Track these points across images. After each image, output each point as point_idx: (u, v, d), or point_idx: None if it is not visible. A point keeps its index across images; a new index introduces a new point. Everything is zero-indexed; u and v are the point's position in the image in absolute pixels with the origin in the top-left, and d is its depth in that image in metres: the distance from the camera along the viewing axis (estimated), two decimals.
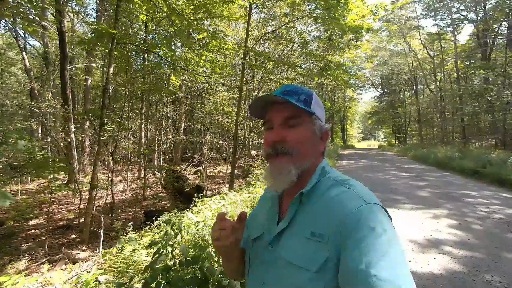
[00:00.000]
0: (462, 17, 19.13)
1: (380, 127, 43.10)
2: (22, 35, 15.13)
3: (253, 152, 15.66)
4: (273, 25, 10.24)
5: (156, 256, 1.44)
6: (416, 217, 4.45)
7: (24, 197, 8.75)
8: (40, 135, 13.89)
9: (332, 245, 0.54)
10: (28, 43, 16.75)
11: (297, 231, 0.61)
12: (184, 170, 13.11)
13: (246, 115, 12.10)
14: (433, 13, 20.87)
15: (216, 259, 1.74)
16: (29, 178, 10.92)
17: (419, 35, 22.73)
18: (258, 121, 12.06)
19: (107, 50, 5.78)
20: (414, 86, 28.77)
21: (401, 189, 6.83)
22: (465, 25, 20.76)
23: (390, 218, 0.58)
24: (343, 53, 9.89)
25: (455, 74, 21.14)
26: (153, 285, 1.49)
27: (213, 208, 3.67)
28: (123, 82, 8.81)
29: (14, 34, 14.57)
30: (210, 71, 7.04)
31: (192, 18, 5.76)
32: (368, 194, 0.60)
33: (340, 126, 36.54)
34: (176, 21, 4.09)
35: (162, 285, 1.50)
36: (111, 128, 4.99)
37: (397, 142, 32.94)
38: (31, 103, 10.64)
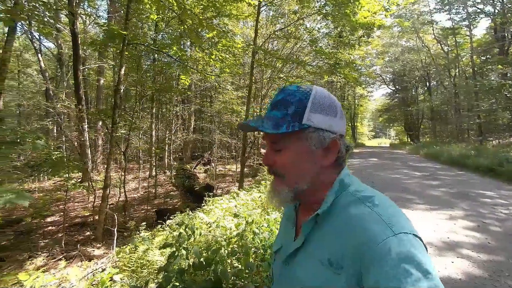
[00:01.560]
0: (478, 10, 18.45)
1: (391, 124, 42.24)
2: (37, 37, 15.55)
3: (262, 150, 15.67)
4: (282, 22, 10.14)
5: (171, 259, 1.45)
6: (431, 218, 4.33)
7: (41, 194, 9.03)
8: (55, 134, 14.30)
9: (349, 279, 0.48)
10: (43, 45, 17.18)
11: (312, 253, 0.56)
12: (194, 168, 13.24)
13: (255, 113, 12.08)
14: (447, 7, 20.22)
15: (229, 261, 1.74)
16: (45, 176, 11.25)
17: (433, 30, 22.07)
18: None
19: (118, 51, 5.86)
20: (427, 83, 28.03)
21: (413, 188, 6.67)
22: (482, 19, 20.04)
23: (426, 248, 0.49)
24: (353, 50, 9.70)
25: (471, 70, 20.44)
26: (168, 287, 1.50)
27: (224, 207, 3.68)
28: (134, 82, 8.94)
29: (29, 36, 14.98)
30: (219, 71, 7.05)
31: (201, 17, 5.77)
32: (397, 218, 0.50)
33: (350, 124, 36.04)
34: (188, 20, 4.10)
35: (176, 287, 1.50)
36: (124, 129, 5.07)
37: (409, 140, 32.22)
38: (47, 103, 10.95)
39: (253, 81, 8.84)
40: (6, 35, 5.24)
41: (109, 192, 5.69)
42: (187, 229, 1.82)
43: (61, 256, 4.56)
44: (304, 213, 0.64)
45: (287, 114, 0.57)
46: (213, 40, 5.68)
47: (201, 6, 6.05)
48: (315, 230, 0.57)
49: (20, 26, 14.94)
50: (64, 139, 11.83)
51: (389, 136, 61.20)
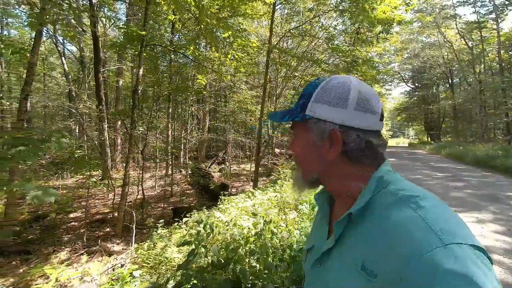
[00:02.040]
0: (506, 2, 17.41)
1: (410, 124, 40.80)
2: (61, 41, 16.32)
3: (277, 150, 15.58)
4: (296, 20, 10.01)
5: (190, 257, 1.45)
6: None
7: (64, 192, 9.44)
8: (77, 134, 14.93)
9: None
10: (66, 48, 18.02)
11: (345, 255, 0.51)
12: (208, 167, 13.37)
13: (269, 112, 12.03)
14: (472, 0, 19.22)
15: (247, 261, 1.72)
16: (68, 174, 11.76)
17: (456, 24, 21.07)
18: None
19: (136, 53, 6.00)
20: (450, 80, 26.80)
21: (435, 190, 6.38)
22: (510, 11, 18.88)
23: (491, 261, 0.41)
24: (371, 47, 9.42)
25: (498, 65, 19.33)
26: (187, 285, 1.50)
27: (239, 206, 3.67)
28: (151, 83, 9.16)
29: (54, 40, 15.72)
30: (234, 70, 7.07)
31: (217, 17, 5.80)
32: (448, 223, 0.42)
33: None
34: (206, 19, 4.12)
35: (196, 286, 1.50)
36: (142, 127, 5.19)
37: (429, 140, 30.99)
38: (70, 104, 11.43)
39: (268, 80, 8.79)
40: (33, 40, 5.49)
41: (128, 189, 5.85)
42: (206, 227, 1.82)
43: (83, 251, 4.73)
44: (338, 211, 0.61)
45: (298, 105, 0.60)
46: (228, 39, 5.69)
47: (217, 6, 6.08)
48: (348, 231, 0.53)
49: (46, 31, 15.74)
50: (85, 138, 12.33)
51: (407, 136, 59.18)
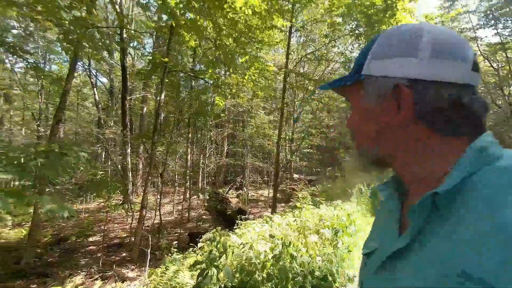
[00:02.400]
0: None
1: None
2: (94, 73, 17.87)
3: (296, 175, 15.21)
4: (312, 46, 10.26)
5: (200, 278, 1.31)
6: None
7: (86, 215, 9.64)
8: (103, 159, 15.63)
9: None
10: (98, 80, 19.63)
11: (430, 256, 0.35)
12: (226, 193, 13.22)
13: (287, 137, 11.96)
14: (493, 22, 18.93)
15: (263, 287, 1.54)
16: (91, 198, 12.10)
17: (477, 46, 20.63)
18: (300, 143, 11.79)
19: (160, 79, 6.33)
20: None
21: None
22: None
23: None
24: None
25: None
26: None
27: (257, 231, 3.48)
28: (173, 109, 9.56)
29: (88, 73, 17.27)
30: (251, 95, 7.22)
31: (235, 44, 6.07)
32: None
33: None
34: (223, 41, 4.32)
35: None
36: (161, 148, 5.28)
37: None
38: (97, 129, 12.11)
39: (285, 104, 8.86)
40: (68, 69, 5.99)
41: (146, 213, 5.83)
42: (218, 245, 1.67)
43: (98, 276, 4.64)
44: (413, 203, 0.42)
45: (353, 68, 0.49)
46: (246, 64, 5.88)
47: (236, 35, 6.40)
48: (432, 222, 0.37)
49: (82, 65, 17.42)
50: (109, 162, 12.84)
51: None
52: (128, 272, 4.68)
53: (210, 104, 8.86)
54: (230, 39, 6.48)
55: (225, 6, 4.07)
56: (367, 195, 5.61)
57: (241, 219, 4.76)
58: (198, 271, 1.44)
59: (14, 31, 11.60)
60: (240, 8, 4.23)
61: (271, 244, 2.09)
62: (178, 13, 3.84)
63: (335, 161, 18.95)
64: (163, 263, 2.50)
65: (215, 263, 1.45)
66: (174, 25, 5.28)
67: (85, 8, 5.34)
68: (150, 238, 4.94)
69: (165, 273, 2.53)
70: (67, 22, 4.77)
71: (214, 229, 2.02)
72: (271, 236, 2.31)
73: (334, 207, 3.88)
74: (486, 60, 21.24)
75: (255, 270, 1.74)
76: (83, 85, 21.56)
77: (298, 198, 7.86)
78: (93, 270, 4.87)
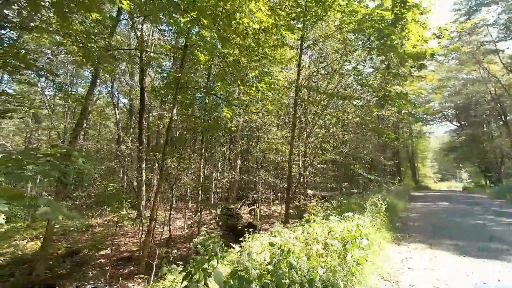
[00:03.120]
0: None
1: (461, 165, 36.68)
2: (116, 94, 18.94)
3: (309, 191, 14.79)
4: (323, 62, 10.31)
5: (185, 281, 1.24)
6: None
7: (100, 229, 9.77)
8: (121, 175, 16.07)
9: None
10: (120, 101, 20.72)
11: None
12: (238, 208, 13.04)
13: (300, 152, 11.79)
14: None
15: None
16: (106, 212, 12.33)
17: (499, 58, 19.92)
18: (313, 159, 11.58)
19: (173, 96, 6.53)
20: (503, 116, 24.32)
21: (506, 237, 5.24)
22: None
23: None
24: (404, 81, 9.13)
25: None
26: None
27: (263, 243, 3.33)
28: (187, 126, 9.81)
29: (111, 94, 18.35)
30: (262, 108, 7.27)
31: (244, 59, 6.22)
32: None
33: (409, 165, 32.44)
34: (230, 52, 4.45)
35: None
36: (173, 162, 5.35)
37: (488, 183, 27.11)
38: (115, 146, 12.56)
39: (297, 118, 8.82)
40: (88, 88, 6.35)
41: (155, 226, 5.82)
42: (207, 248, 1.59)
43: None
44: None
45: None
46: (257, 78, 5.98)
47: (244, 49, 6.57)
48: None
49: (105, 87, 18.56)
50: (125, 178, 13.16)
51: (460, 179, 52.78)
52: (134, 285, 4.60)
53: (222, 120, 9.00)
54: (237, 51, 6.67)
55: (233, 22, 4.23)
56: (382, 208, 5.30)
57: (249, 232, 4.62)
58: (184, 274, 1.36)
59: (46, 57, 12.65)
60: (248, 23, 4.38)
61: (269, 253, 1.97)
62: (188, 31, 4.02)
63: (351, 177, 18.33)
64: (161, 272, 2.43)
65: (204, 266, 1.36)
66: (186, 43, 5.53)
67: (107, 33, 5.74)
68: (157, 250, 4.88)
69: (168, 286, 2.45)
70: (89, 45, 5.12)
71: (205, 233, 1.95)
72: (271, 244, 2.18)
73: (345, 219, 3.68)
74: (510, 73, 20.38)
75: (250, 278, 1.64)
76: (106, 106, 22.80)
77: (310, 212, 7.60)
78: (99, 282, 4.84)
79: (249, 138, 18.21)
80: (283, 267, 1.73)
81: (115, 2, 3.86)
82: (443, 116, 31.06)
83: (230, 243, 2.88)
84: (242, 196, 16.30)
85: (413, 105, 8.90)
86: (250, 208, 13.39)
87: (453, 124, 31.56)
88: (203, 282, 1.35)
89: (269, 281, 1.57)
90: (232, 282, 1.47)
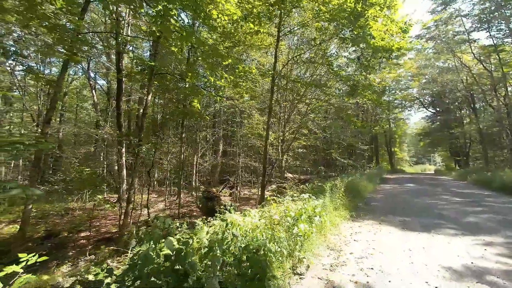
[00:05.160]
0: None
1: (434, 149, 38.86)
2: (93, 76, 18.27)
3: (289, 175, 15.42)
4: (301, 48, 10.51)
5: (137, 247, 1.57)
6: (459, 244, 3.84)
7: (80, 212, 9.92)
8: (102, 160, 15.92)
9: None
10: (97, 82, 20.00)
11: None
12: (219, 191, 13.47)
13: (280, 137, 12.21)
14: (486, 25, 19.15)
15: (197, 256, 1.79)
16: (87, 197, 12.40)
17: (471, 49, 20.85)
18: (290, 144, 12.03)
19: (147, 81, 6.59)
20: (472, 104, 25.81)
21: (449, 214, 5.98)
22: None
23: None
24: (375, 73, 9.58)
25: None
26: (134, 275, 1.60)
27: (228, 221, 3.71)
28: (166, 112, 9.86)
29: (87, 75, 17.67)
30: (237, 96, 7.49)
31: (221, 47, 6.34)
32: None
33: (387, 149, 34.05)
34: (200, 46, 4.61)
35: (144, 276, 1.60)
36: (147, 148, 5.55)
37: (457, 166, 29.14)
38: (93, 130, 12.41)
39: (274, 104, 9.10)
40: (59, 72, 6.27)
41: (133, 207, 6.09)
42: (157, 220, 1.94)
43: (84, 265, 4.90)
44: None
45: None
46: (230, 66, 6.16)
47: (223, 40, 6.67)
48: None
49: (81, 67, 17.83)
50: (105, 162, 13.14)
51: (434, 163, 56.01)
52: (113, 261, 4.93)
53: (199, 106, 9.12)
54: (221, 45, 6.76)
55: (202, 14, 4.35)
56: (341, 190, 5.89)
57: (219, 212, 5.01)
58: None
59: (15, 34, 11.97)
60: (217, 15, 4.51)
61: (219, 227, 2.36)
62: (158, 19, 4.11)
63: (329, 161, 19.18)
64: (130, 246, 2.76)
65: (156, 234, 1.71)
66: (159, 33, 5.56)
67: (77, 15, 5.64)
68: (134, 229, 5.20)
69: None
70: (59, 28, 5.06)
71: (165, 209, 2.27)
72: (222, 219, 2.57)
73: (302, 201, 4.13)
74: (480, 63, 21.45)
75: (191, 243, 2.00)
76: (83, 87, 21.96)
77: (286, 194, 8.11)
78: (80, 260, 5.14)
79: (232, 123, 18.41)
80: (229, 237, 2.11)
81: None
82: (420, 103, 32.42)
83: (196, 221, 3.25)
84: (224, 179, 16.72)
85: (378, 96, 9.40)
86: (231, 191, 13.86)
87: (429, 111, 33.07)
88: (154, 250, 1.70)
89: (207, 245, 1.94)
90: (179, 246, 1.82)
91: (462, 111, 29.49)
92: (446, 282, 2.64)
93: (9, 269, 1.67)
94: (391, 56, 8.25)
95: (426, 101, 32.61)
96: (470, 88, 24.37)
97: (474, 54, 20.84)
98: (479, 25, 19.74)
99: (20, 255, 1.86)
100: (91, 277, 1.69)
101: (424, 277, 2.75)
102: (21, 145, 1.93)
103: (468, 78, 23.89)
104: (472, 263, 3.09)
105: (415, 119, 71.99)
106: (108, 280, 1.55)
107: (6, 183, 1.80)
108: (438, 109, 31.54)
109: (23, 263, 1.77)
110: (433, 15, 21.00)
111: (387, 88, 28.49)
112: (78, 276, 2.59)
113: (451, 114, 29.28)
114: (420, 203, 7.83)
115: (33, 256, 1.86)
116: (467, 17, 19.97)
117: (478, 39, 21.58)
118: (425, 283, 2.64)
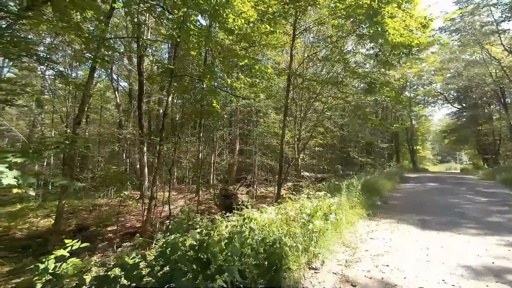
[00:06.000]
0: None
1: (461, 147, 36.97)
2: (116, 78, 19.15)
3: (306, 173, 15.39)
4: (317, 46, 10.44)
5: (167, 239, 1.75)
6: (479, 243, 3.75)
7: (106, 208, 10.54)
8: (124, 158, 16.72)
9: None
10: (119, 84, 20.93)
11: None
12: (236, 189, 13.74)
13: (296, 136, 12.23)
14: None
15: (218, 247, 1.94)
16: (112, 193, 13.10)
17: (501, 40, 19.61)
18: (306, 142, 12.02)
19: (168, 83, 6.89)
20: (502, 99, 24.29)
21: (470, 213, 5.79)
22: None
23: None
24: (395, 69, 9.35)
25: None
26: (163, 261, 1.79)
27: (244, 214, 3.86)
28: (185, 112, 10.20)
29: (110, 78, 18.56)
30: (254, 95, 7.64)
31: (236, 48, 6.51)
32: None
33: (408, 147, 32.83)
34: (216, 47, 4.79)
35: (172, 261, 1.79)
36: (169, 146, 5.82)
37: (485, 165, 27.59)
38: (117, 130, 13.06)
39: (290, 103, 9.16)
40: (88, 76, 6.72)
41: (155, 203, 6.42)
42: (184, 213, 2.11)
43: (113, 256, 5.28)
44: None
45: None
46: (246, 66, 6.31)
47: (239, 41, 6.83)
48: None
49: (104, 71, 18.73)
50: (128, 161, 13.81)
51: (460, 161, 53.24)
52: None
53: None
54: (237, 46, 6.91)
55: (219, 18, 4.52)
56: (358, 188, 5.88)
57: (237, 209, 5.19)
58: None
59: (46, 41, 12.82)
60: (234, 19, 4.67)
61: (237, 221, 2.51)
62: (179, 25, 4.33)
63: (346, 159, 18.87)
64: (155, 238, 2.99)
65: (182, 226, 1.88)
66: (178, 37, 5.81)
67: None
68: (158, 224, 5.52)
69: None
70: (86, 35, 5.44)
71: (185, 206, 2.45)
72: (240, 215, 2.71)
73: (318, 199, 4.20)
74: (511, 54, 20.14)
75: (220, 238, 2.17)
76: (106, 89, 23.06)
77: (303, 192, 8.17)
78: (108, 251, 5.53)
79: (248, 122, 18.60)
80: (246, 230, 2.25)
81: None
82: (444, 98, 30.94)
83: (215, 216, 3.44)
84: (241, 178, 16.98)
85: (397, 93, 9.16)
86: (248, 189, 14.07)
87: (454, 107, 31.49)
88: (180, 240, 1.87)
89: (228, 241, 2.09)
90: (202, 237, 1.99)
91: (491, 107, 27.84)
92: (463, 280, 2.63)
93: (59, 252, 1.91)
94: (411, 51, 8.02)
95: (451, 96, 31.07)
96: (500, 82, 22.94)
97: (504, 45, 19.60)
98: (510, 15, 18.54)
99: (66, 241, 2.10)
100: (129, 260, 1.90)
101: (440, 275, 2.75)
102: (63, 144, 2.18)
103: (497, 71, 22.52)
104: (493, 263, 3.03)
105: (439, 115, 68.61)
106: (142, 264, 1.74)
107: (52, 176, 2.05)
108: (464, 104, 29.96)
109: (69, 248, 2.00)
110: (458, 6, 19.94)
111: (408, 83, 27.43)
112: (118, 259, 2.85)
113: (479, 110, 27.74)
114: (441, 202, 7.60)
115: (77, 242, 2.10)
116: (496, 6, 18.79)
117: (509, 29, 20.12)
118: (441, 280, 2.64)
